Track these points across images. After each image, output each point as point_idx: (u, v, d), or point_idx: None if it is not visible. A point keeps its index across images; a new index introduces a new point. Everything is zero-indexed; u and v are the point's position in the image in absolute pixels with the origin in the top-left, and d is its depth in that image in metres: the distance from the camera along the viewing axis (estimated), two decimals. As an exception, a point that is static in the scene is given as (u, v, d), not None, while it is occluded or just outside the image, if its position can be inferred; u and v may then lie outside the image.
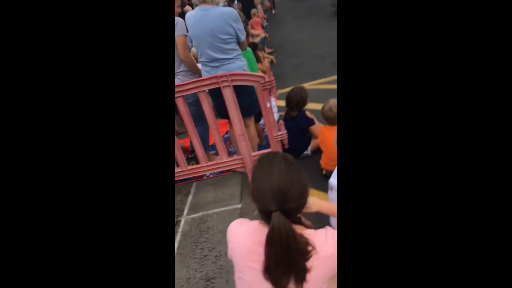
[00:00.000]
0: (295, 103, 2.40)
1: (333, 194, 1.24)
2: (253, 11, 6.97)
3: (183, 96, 1.97)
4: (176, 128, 3.23)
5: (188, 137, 2.22)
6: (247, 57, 2.41)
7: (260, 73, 2.09)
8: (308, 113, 2.46)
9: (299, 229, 0.77)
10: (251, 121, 2.25)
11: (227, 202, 2.14)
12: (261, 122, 2.63)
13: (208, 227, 1.96)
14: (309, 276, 0.75)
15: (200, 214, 2.09)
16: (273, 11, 10.93)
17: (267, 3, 11.08)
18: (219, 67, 2.00)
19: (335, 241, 0.78)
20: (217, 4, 1.96)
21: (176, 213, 2.15)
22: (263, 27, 7.26)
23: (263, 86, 1.89)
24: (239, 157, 2.16)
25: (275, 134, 2.05)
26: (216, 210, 2.09)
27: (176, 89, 1.91)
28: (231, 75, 1.87)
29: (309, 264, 0.75)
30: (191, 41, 2.09)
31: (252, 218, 0.88)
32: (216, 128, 2.07)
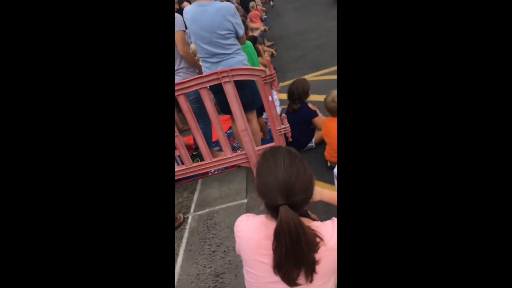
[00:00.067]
0: (297, 96, 2.39)
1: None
2: (251, 4, 6.90)
3: (184, 93, 1.96)
4: (179, 125, 3.24)
5: (191, 134, 2.22)
6: (247, 51, 2.39)
7: (261, 67, 2.07)
8: (310, 105, 2.44)
9: (306, 221, 0.78)
10: (253, 116, 2.24)
11: (233, 197, 2.15)
12: (264, 116, 2.62)
13: (215, 223, 1.97)
14: (318, 268, 0.76)
15: (207, 210, 2.11)
16: (272, 3, 10.81)
17: (265, -5, 10.97)
18: (219, 63, 1.99)
19: None
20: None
21: (183, 211, 2.17)
22: (262, 20, 7.19)
23: (264, 80, 1.87)
24: (243, 152, 2.16)
25: (278, 128, 2.04)
26: (222, 206, 2.11)
27: (177, 87, 1.91)
28: (231, 70, 1.86)
29: (317, 256, 0.75)
30: (190, 37, 2.07)
31: (258, 212, 0.88)
32: (219, 124, 2.07)
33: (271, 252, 0.76)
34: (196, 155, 2.65)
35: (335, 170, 1.29)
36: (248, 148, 2.11)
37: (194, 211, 2.15)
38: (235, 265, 1.64)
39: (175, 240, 1.91)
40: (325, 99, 2.11)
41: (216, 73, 1.87)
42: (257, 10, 7.06)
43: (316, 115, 2.42)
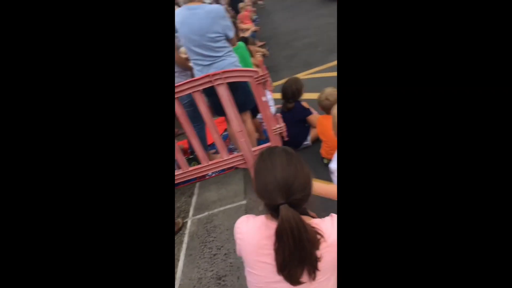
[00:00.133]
0: (290, 95, 2.39)
1: (334, 177, 1.26)
2: (241, 5, 6.89)
3: (178, 97, 1.96)
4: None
5: (186, 138, 2.21)
6: (239, 52, 2.39)
7: (254, 68, 2.07)
8: (304, 104, 2.45)
9: (306, 219, 0.78)
10: (248, 116, 2.24)
11: (232, 199, 2.15)
12: (259, 116, 2.62)
13: (215, 226, 1.97)
14: (320, 265, 0.76)
15: (206, 213, 2.10)
16: (261, 3, 10.83)
17: (254, -4, 10.98)
18: (210, 65, 1.99)
19: None
20: (203, 2, 1.93)
21: (182, 215, 2.16)
22: (252, 21, 7.18)
23: (257, 81, 1.87)
24: (240, 153, 2.16)
25: (274, 128, 2.04)
26: (221, 209, 2.10)
27: (170, 91, 1.90)
28: (224, 72, 1.86)
29: (319, 253, 0.75)
30: (179, 41, 2.07)
31: (258, 213, 0.88)
32: (214, 127, 2.06)
33: (272, 252, 0.76)
34: (192, 158, 2.64)
35: (330, 165, 1.30)
36: (244, 149, 2.11)
37: (193, 215, 2.14)
38: (237, 267, 1.63)
39: (175, 245, 1.90)
40: (319, 97, 2.12)
41: (208, 75, 1.86)
42: (247, 11, 7.06)
43: (311, 113, 2.43)
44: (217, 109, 2.16)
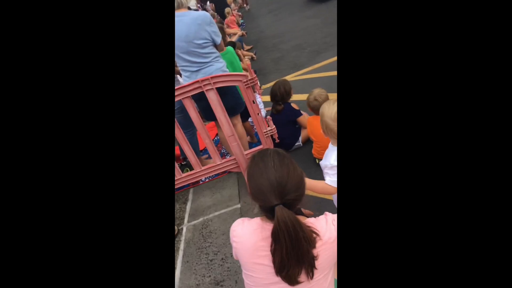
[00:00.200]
0: (280, 97, 2.42)
1: (326, 175, 1.27)
2: (227, 10, 6.93)
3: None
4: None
5: (177, 145, 2.21)
6: (227, 57, 2.40)
7: (243, 72, 2.09)
8: (294, 105, 2.47)
9: (301, 219, 0.79)
10: (238, 120, 2.25)
11: (226, 203, 2.15)
12: (250, 119, 2.63)
13: (211, 231, 1.96)
14: (317, 263, 0.77)
15: (201, 219, 2.09)
16: (247, 7, 10.89)
17: (239, 1, 11.03)
18: (198, 71, 2.00)
19: (335, 225, 0.80)
20: (189, 9, 1.94)
21: (177, 222, 2.14)
22: (239, 25, 7.22)
23: (246, 84, 1.89)
24: (232, 157, 2.16)
25: (265, 130, 2.05)
26: (216, 213, 2.10)
27: (160, 99, 1.89)
28: (213, 77, 1.87)
29: (315, 251, 0.77)
30: None
31: (252, 216, 0.89)
32: (205, 132, 2.07)
33: (269, 253, 0.77)
34: (185, 165, 2.63)
35: (321, 162, 1.32)
36: (236, 153, 2.11)
37: (188, 221, 2.13)
38: (234, 271, 1.63)
39: (172, 252, 1.88)
40: (308, 98, 2.14)
41: (198, 81, 1.87)
42: (233, 15, 7.09)
43: (300, 114, 2.45)
44: (207, 114, 2.17)
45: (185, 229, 2.07)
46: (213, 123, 2.52)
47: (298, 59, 4.49)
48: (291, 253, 0.74)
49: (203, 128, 2.05)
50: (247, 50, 5.62)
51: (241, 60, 3.81)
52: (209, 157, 2.52)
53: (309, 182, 1.15)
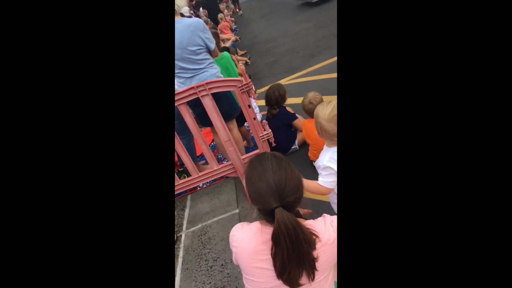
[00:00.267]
0: (274, 101, 2.43)
1: (320, 176, 1.28)
2: (219, 16, 6.97)
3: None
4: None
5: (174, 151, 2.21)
6: (222, 63, 2.41)
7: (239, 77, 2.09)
8: (289, 109, 2.49)
9: (300, 221, 0.79)
10: (234, 125, 2.25)
11: (225, 209, 2.14)
12: (246, 124, 2.64)
13: (210, 238, 1.95)
14: (317, 265, 0.77)
15: (199, 226, 2.08)
16: (240, 13, 10.96)
17: (232, 6, 11.10)
18: (192, 78, 2.01)
19: (334, 226, 0.81)
20: (182, 16, 1.95)
21: (175, 229, 2.13)
22: (232, 30, 7.26)
23: (241, 89, 1.89)
24: (229, 162, 2.16)
25: (261, 134, 2.06)
26: (215, 219, 2.09)
27: (155, 106, 1.89)
28: (208, 83, 1.87)
29: (315, 253, 0.77)
30: None
31: (251, 221, 0.89)
32: (202, 138, 2.06)
33: (269, 257, 0.77)
34: (182, 171, 2.62)
35: (316, 163, 1.33)
36: (233, 158, 2.11)
37: (187, 228, 2.12)
38: (235, 277, 1.62)
39: (171, 260, 1.87)
40: (303, 101, 2.16)
41: (193, 87, 1.87)
42: (226, 21, 7.14)
43: (296, 117, 2.47)
44: (203, 120, 2.17)
45: (184, 236, 2.05)
46: (209, 128, 2.52)
47: (292, 63, 4.53)
48: (292, 255, 0.74)
49: (199, 134, 2.05)
50: (241, 55, 5.65)
51: (235, 65, 3.84)
52: (206, 163, 2.51)
53: (303, 181, 1.17)
